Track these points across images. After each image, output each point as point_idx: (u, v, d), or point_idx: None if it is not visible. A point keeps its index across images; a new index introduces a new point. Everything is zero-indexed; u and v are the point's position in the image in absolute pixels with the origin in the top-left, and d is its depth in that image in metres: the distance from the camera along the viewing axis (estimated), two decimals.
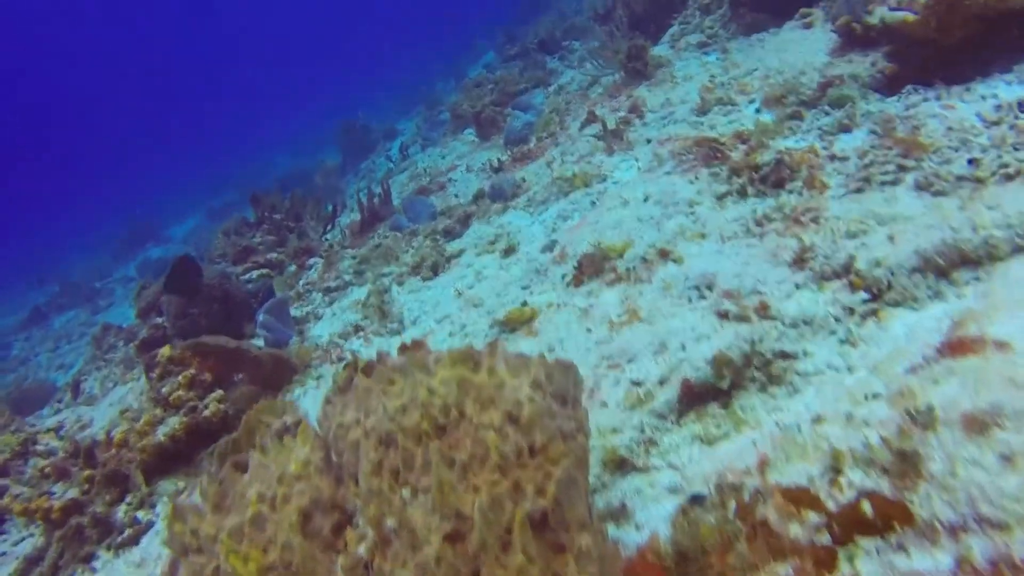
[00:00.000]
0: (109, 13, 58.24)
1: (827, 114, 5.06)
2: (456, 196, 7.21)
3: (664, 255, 3.94)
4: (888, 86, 5.23)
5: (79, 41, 59.63)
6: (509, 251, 5.12)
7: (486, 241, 5.44)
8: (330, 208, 10.31)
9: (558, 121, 7.51)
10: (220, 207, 26.84)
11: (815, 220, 3.65)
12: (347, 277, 6.54)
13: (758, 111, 5.47)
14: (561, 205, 5.37)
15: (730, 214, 4.05)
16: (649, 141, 5.69)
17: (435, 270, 5.44)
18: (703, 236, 3.96)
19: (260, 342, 5.61)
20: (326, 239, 9.19)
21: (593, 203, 5.19)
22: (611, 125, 6.00)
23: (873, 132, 4.43)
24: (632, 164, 5.43)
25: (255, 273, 8.34)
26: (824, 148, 4.54)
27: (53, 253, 33.66)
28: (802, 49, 5.86)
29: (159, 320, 7.56)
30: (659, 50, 8.32)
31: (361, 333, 5.28)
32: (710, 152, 4.81)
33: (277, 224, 9.58)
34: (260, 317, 5.62)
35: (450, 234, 5.99)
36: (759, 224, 3.84)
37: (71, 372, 11.68)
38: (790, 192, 4.22)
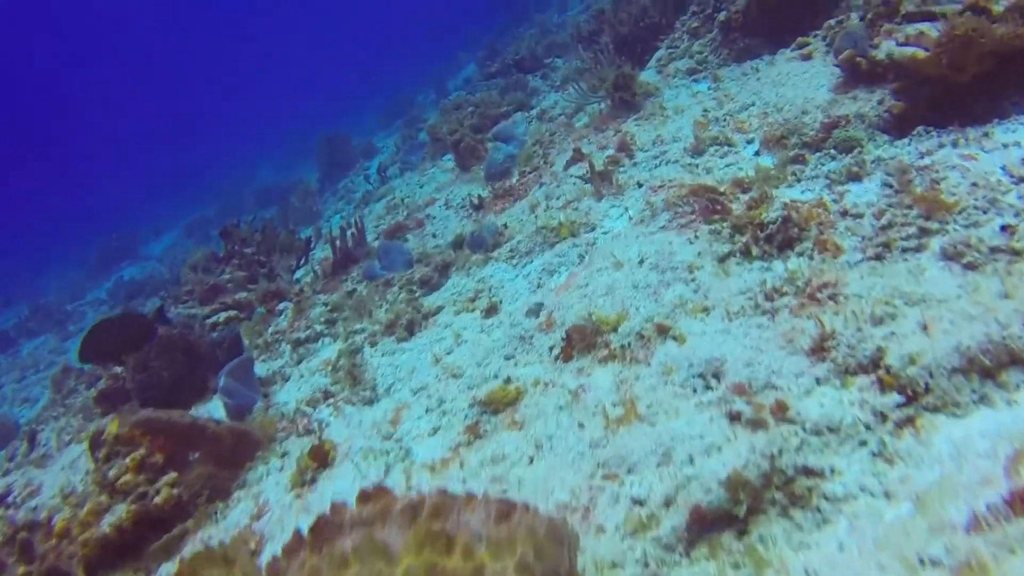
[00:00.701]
0: (98, 18, 57.18)
1: (833, 158, 4.69)
2: (434, 236, 6.78)
3: (663, 331, 3.53)
4: (897, 127, 4.86)
5: (64, 43, 58.56)
6: (491, 311, 4.69)
7: (466, 297, 5.01)
8: (304, 236, 9.85)
9: (541, 154, 7.10)
10: (198, 222, 26.32)
11: (833, 298, 3.25)
12: (318, 327, 6.08)
13: (757, 153, 5.08)
14: (546, 257, 4.95)
15: (735, 284, 3.64)
16: (640, 185, 5.29)
17: (411, 329, 5.00)
18: (706, 310, 3.55)
19: (220, 410, 5.15)
20: (297, 280, 8.73)
21: (581, 256, 4.77)
22: (599, 166, 5.59)
23: (888, 185, 4.05)
24: (623, 212, 5.02)
25: (223, 315, 7.86)
26: (834, 201, 4.16)
27: (28, 268, 32.92)
28: (802, 84, 5.49)
29: (119, 369, 7.07)
30: (646, 75, 7.93)
31: (331, 400, 4.83)
32: (709, 204, 4.41)
33: (247, 259, 9.10)
34: (221, 380, 5.15)
35: (427, 284, 5.56)
36: (769, 298, 3.44)
37: (36, 407, 11.15)
38: (799, 254, 3.83)
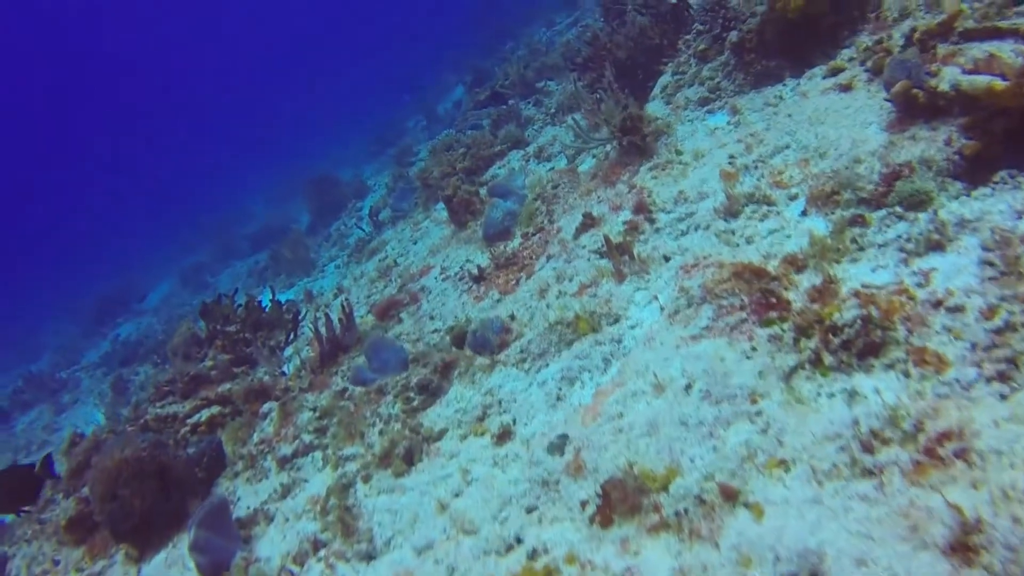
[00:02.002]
0: (93, 42, 56.45)
1: (901, 217, 3.87)
2: (432, 318, 5.96)
3: (731, 496, 2.71)
4: (970, 171, 4.03)
5: (58, 77, 57.97)
6: (503, 436, 3.88)
7: (472, 416, 4.20)
8: (289, 298, 9.07)
9: (545, 212, 6.28)
10: (192, 268, 25.68)
11: (963, 456, 2.42)
12: (307, 437, 5.28)
13: (804, 213, 4.26)
14: (564, 361, 4.13)
15: (817, 423, 2.81)
16: (667, 259, 4.47)
17: (410, 459, 4.18)
18: (785, 466, 2.72)
19: (191, 573, 4.33)
20: (287, 357, 7.94)
21: (607, 360, 3.95)
22: (615, 236, 4.78)
23: (988, 263, 3.23)
24: (651, 299, 4.20)
25: (205, 413, 7.06)
26: (919, 285, 3.33)
27: (25, 322, 32.19)
28: (845, 121, 4.66)
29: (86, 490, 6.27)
30: (653, 107, 7.12)
31: (322, 554, 4.02)
32: (762, 297, 3.59)
33: (231, 338, 8.31)
34: (192, 533, 4.34)
35: (426, 390, 4.73)
36: (869, 450, 2.61)
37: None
38: (889, 366, 3.00)
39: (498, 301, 5.50)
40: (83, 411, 15.32)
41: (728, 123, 5.98)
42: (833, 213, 4.12)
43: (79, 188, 57.55)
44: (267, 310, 8.86)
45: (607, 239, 4.55)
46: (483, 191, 9.03)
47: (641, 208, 5.02)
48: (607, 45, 8.16)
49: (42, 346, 25.47)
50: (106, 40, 56.58)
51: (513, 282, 5.65)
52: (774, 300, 3.57)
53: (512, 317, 4.80)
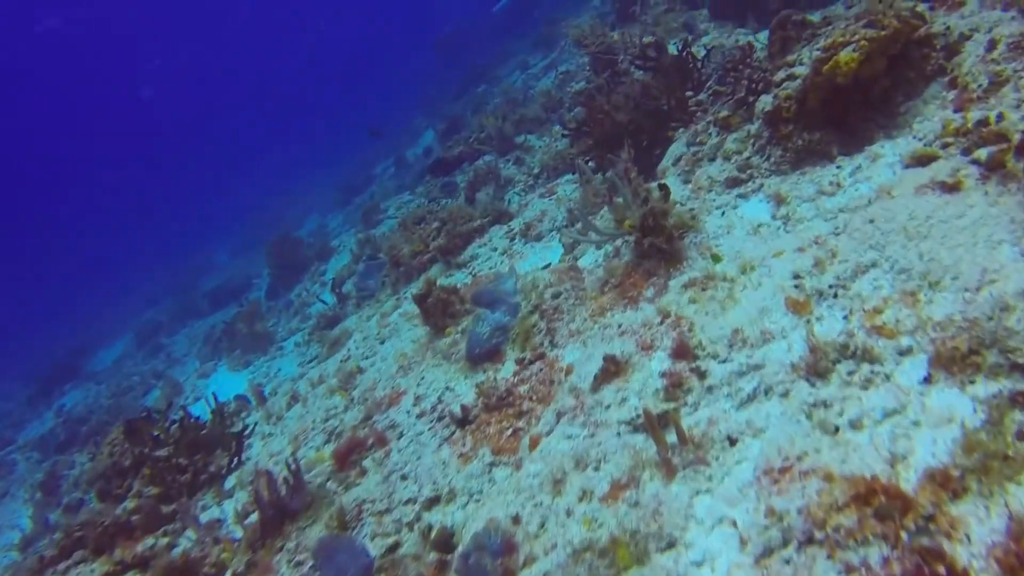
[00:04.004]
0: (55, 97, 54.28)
1: None
2: (404, 477, 4.57)
3: None
4: None
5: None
6: None
7: None
8: (239, 426, 7.65)
9: (544, 330, 4.96)
10: (149, 327, 24.09)
11: None
12: None
13: (927, 380, 2.98)
14: None
15: None
16: (733, 442, 3.17)
17: None
18: None
19: None
20: (229, 490, 6.51)
21: None
22: (651, 396, 3.48)
23: None
24: (720, 518, 2.88)
25: None
26: None
27: None
28: (962, 238, 3.41)
29: None
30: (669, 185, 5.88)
31: None
32: (920, 563, 2.29)
33: (161, 465, 6.86)
34: None
35: None
36: None
37: None
38: None
39: (491, 466, 4.16)
40: (11, 508, 13.60)
41: (773, 217, 4.73)
42: (974, 382, 2.86)
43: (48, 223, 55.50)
44: (207, 422, 7.44)
45: (648, 416, 3.23)
46: (459, 272, 7.73)
47: (683, 352, 3.72)
48: (604, 107, 6.93)
49: None
50: (76, 90, 54.72)
51: (509, 434, 4.31)
52: (940, 557, 2.28)
53: (516, 520, 3.44)
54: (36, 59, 51.62)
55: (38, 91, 51.11)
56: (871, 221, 3.90)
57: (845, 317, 3.45)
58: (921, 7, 5.43)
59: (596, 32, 9.45)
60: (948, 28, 5.13)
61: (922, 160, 4.10)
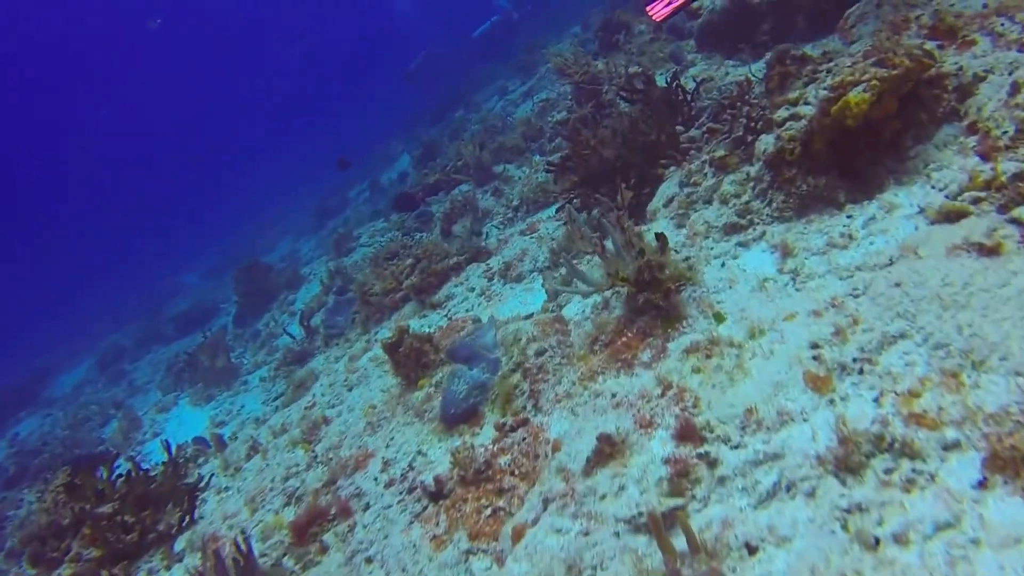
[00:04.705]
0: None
1: None
2: (368, 560, 4.06)
3: None
4: None
5: None
6: None
7: None
8: (193, 476, 7.09)
9: (528, 393, 4.48)
10: (112, 352, 23.31)
11: None
12: None
13: (982, 485, 2.55)
14: None
15: None
16: (752, 550, 2.70)
17: None
18: None
19: None
20: (179, 553, 5.94)
21: None
22: (654, 487, 3.02)
23: None
24: None
25: None
26: None
27: None
28: (1007, 310, 3.00)
29: None
30: (659, 229, 5.47)
31: None
32: None
33: (104, 524, 6.26)
34: None
35: None
36: None
37: None
38: None
39: (468, 554, 3.66)
40: None
41: (780, 271, 4.31)
42: None
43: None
44: (157, 474, 6.86)
45: (653, 521, 2.76)
46: (434, 312, 7.25)
47: (688, 433, 3.26)
48: (590, 142, 6.52)
49: None
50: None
51: (488, 515, 3.82)
52: None
53: None
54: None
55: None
56: (897, 284, 3.48)
57: (876, 400, 3.01)
58: (929, 45, 5.09)
59: (580, 61, 9.07)
60: (961, 68, 4.79)
61: (951, 216, 3.70)
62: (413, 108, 26.35)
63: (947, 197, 3.94)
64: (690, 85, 7.09)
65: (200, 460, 7.95)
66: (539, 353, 4.66)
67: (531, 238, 7.41)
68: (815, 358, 3.39)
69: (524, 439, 4.15)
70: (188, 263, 33.86)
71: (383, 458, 4.96)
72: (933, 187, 4.17)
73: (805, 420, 3.12)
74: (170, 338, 20.75)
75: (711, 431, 3.27)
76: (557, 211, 7.19)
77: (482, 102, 19.13)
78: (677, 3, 5.24)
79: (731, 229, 5.05)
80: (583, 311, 5.07)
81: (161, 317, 22.94)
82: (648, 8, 5.38)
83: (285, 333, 11.27)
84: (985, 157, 4.02)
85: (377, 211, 16.52)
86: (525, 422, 4.28)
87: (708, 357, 3.73)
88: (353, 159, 16.80)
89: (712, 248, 4.95)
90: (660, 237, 4.28)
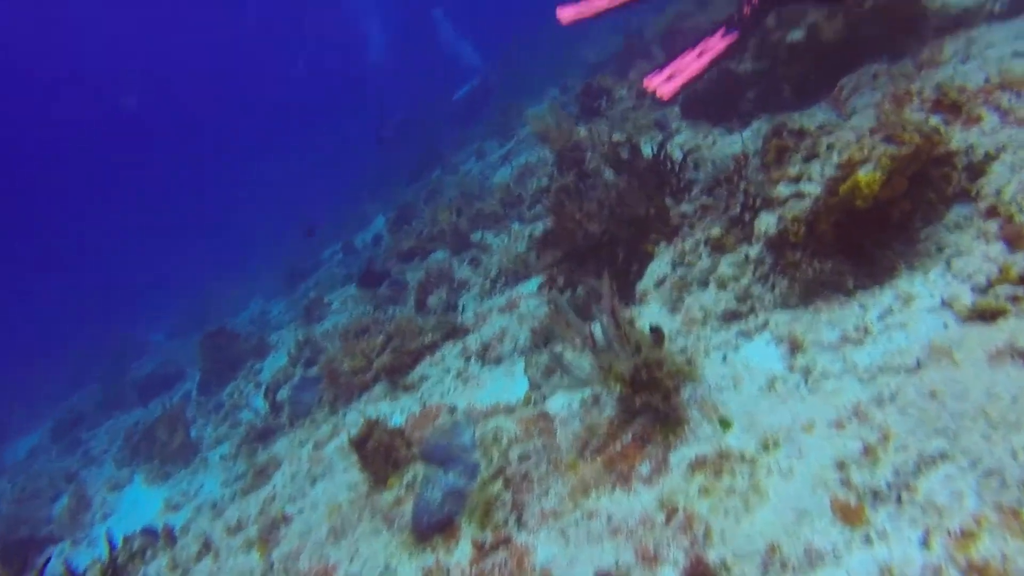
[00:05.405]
0: None
1: None
2: None
3: None
4: None
5: None
6: None
7: None
8: None
9: (510, 504, 3.97)
10: (69, 417, 22.27)
11: None
12: None
13: None
14: None
15: None
16: None
17: None
18: None
19: None
20: None
21: None
22: None
23: None
24: None
25: None
26: None
27: None
28: None
29: None
30: (650, 314, 5.07)
31: None
32: None
33: None
34: None
35: None
36: None
37: None
38: None
39: None
40: None
41: (789, 369, 3.89)
42: None
43: None
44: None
45: None
46: (406, 395, 6.74)
47: (701, 574, 2.77)
48: (575, 215, 6.14)
49: None
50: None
51: None
52: None
53: None
54: None
55: None
56: (931, 394, 3.06)
57: (923, 541, 2.56)
58: (935, 120, 4.82)
59: (562, 127, 8.78)
60: (971, 146, 4.49)
61: (985, 315, 3.30)
62: (388, 165, 26.03)
63: (974, 290, 3.56)
64: (677, 155, 6.76)
65: (148, 554, 7.25)
66: (522, 458, 4.17)
67: (511, 316, 6.95)
68: (842, 481, 2.94)
69: (506, 562, 3.63)
70: (156, 319, 32.86)
71: (347, 572, 4.38)
72: (955, 276, 3.80)
73: (838, 561, 2.65)
74: (131, 403, 19.87)
75: (728, 571, 2.79)
76: (539, 288, 6.76)
77: (459, 163, 18.89)
78: (684, 79, 4.88)
79: (731, 316, 4.64)
80: (570, 405, 4.60)
81: (124, 380, 22.01)
82: (646, 82, 5.01)
83: (248, 408, 10.64)
84: (1012, 244, 3.67)
85: (350, 274, 16.05)
86: (507, 540, 3.77)
87: (717, 475, 3.26)
88: (321, 223, 16.42)
89: (711, 338, 4.53)
90: (656, 332, 3.86)
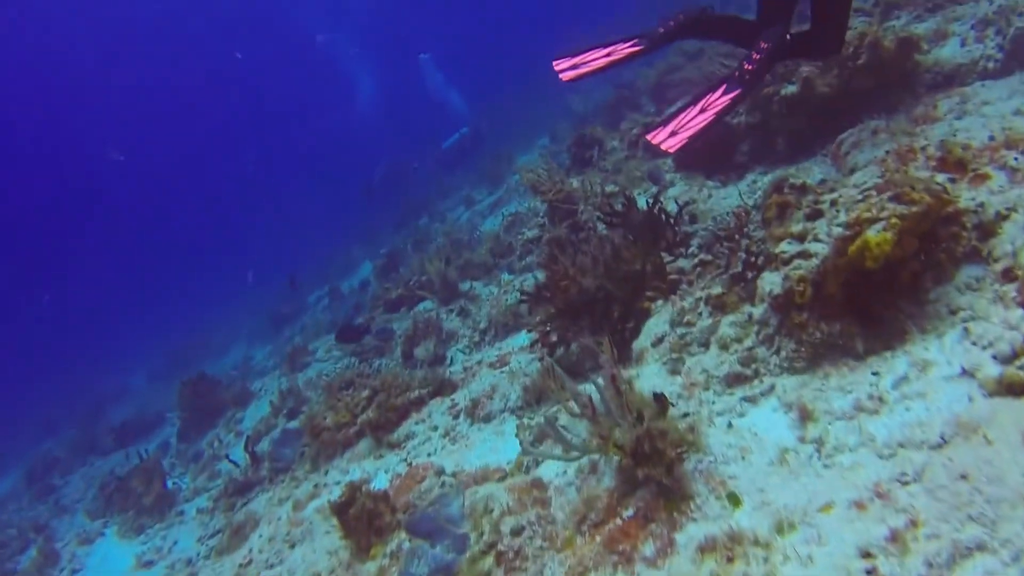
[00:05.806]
0: None
1: None
2: None
3: None
4: None
5: None
6: None
7: None
8: None
9: None
10: (43, 463, 21.63)
11: None
12: None
13: None
14: None
15: None
16: None
17: None
18: None
19: None
20: None
21: None
22: None
23: None
24: None
25: None
26: None
27: None
28: None
29: None
30: (648, 376, 4.85)
31: None
32: None
33: None
34: None
35: None
36: None
37: None
38: None
39: None
40: None
41: (801, 440, 3.67)
42: None
43: None
44: None
45: None
46: (392, 454, 6.45)
47: None
48: (568, 270, 5.95)
49: None
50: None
51: None
52: None
53: None
54: None
55: None
56: (963, 477, 2.84)
57: None
58: (940, 178, 4.69)
59: (554, 178, 8.66)
60: (982, 205, 4.35)
61: (1014, 389, 3.10)
62: (376, 210, 25.91)
63: (998, 360, 3.36)
64: (672, 207, 6.63)
65: None
66: (515, 531, 3.89)
67: (501, 372, 6.71)
68: (869, 572, 2.69)
69: None
70: (137, 361, 32.24)
71: None
72: (974, 343, 3.60)
73: None
74: (107, 449, 19.31)
75: None
76: (531, 344, 6.54)
77: (447, 211, 18.79)
78: (692, 130, 4.73)
79: (734, 380, 4.43)
80: (565, 473, 4.34)
81: (101, 425, 21.46)
82: (650, 136, 4.87)
83: (228, 460, 10.26)
84: None
85: (335, 321, 15.79)
86: None
87: (730, 561, 3.01)
88: (307, 267, 16.23)
89: (714, 403, 4.31)
90: (659, 399, 3.63)
